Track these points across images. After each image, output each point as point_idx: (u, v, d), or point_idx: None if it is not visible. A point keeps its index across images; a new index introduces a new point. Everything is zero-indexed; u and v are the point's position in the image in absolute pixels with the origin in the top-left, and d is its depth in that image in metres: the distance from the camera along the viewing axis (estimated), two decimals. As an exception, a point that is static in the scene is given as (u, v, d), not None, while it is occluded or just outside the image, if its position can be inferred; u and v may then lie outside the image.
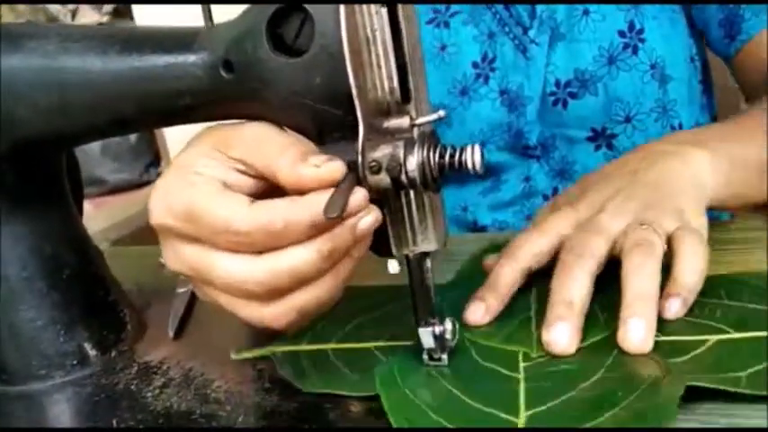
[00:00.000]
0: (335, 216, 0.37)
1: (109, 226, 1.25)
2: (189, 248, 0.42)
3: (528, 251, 0.52)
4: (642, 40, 0.74)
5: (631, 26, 0.74)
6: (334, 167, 0.39)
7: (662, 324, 0.45)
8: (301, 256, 0.39)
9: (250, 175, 0.42)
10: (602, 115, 0.76)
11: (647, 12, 0.74)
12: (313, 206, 0.38)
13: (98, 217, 1.36)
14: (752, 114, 0.66)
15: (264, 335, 0.53)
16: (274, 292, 0.41)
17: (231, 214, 0.39)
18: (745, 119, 0.66)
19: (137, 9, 1.91)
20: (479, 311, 0.50)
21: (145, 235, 1.23)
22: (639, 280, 0.45)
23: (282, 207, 0.39)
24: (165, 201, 0.42)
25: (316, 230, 0.39)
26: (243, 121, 0.44)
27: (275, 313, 0.42)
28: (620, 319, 0.45)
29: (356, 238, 0.39)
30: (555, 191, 0.80)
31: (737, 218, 0.64)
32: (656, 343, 0.44)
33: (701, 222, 0.52)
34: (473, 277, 0.56)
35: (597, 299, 0.48)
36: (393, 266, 0.45)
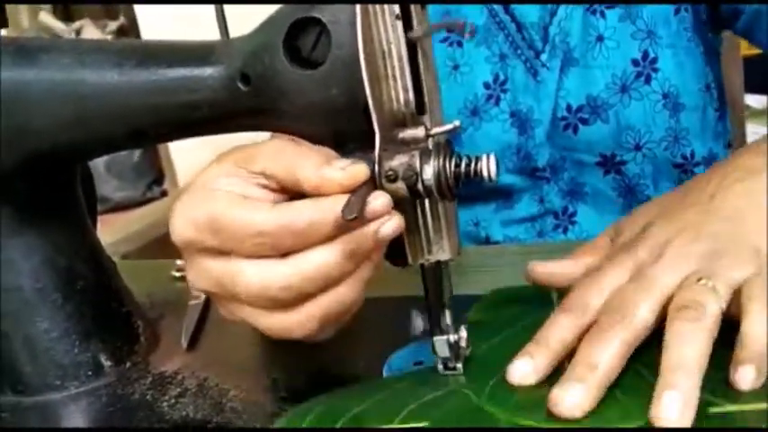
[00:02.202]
0: (352, 217, 0.37)
1: (115, 241, 1.26)
2: (213, 262, 0.43)
3: (585, 308, 0.45)
4: (655, 70, 0.74)
5: (645, 55, 0.74)
6: (359, 169, 0.40)
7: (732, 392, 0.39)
8: (325, 257, 0.40)
9: (272, 189, 0.43)
10: (612, 142, 0.76)
11: (662, 41, 0.74)
12: (337, 206, 0.38)
13: (104, 233, 1.37)
14: None
15: (277, 349, 0.54)
16: (298, 298, 0.41)
17: (253, 216, 0.40)
18: None
19: (144, 28, 1.92)
20: (525, 369, 0.43)
21: (152, 250, 1.24)
22: (679, 349, 0.39)
23: (306, 207, 0.40)
24: (185, 216, 0.43)
25: (339, 231, 0.39)
26: (266, 140, 0.45)
27: (299, 319, 0.42)
28: (654, 394, 0.38)
29: (378, 241, 0.40)
30: (565, 210, 0.80)
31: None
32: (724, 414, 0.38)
33: None
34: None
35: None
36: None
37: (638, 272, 0.45)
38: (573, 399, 0.39)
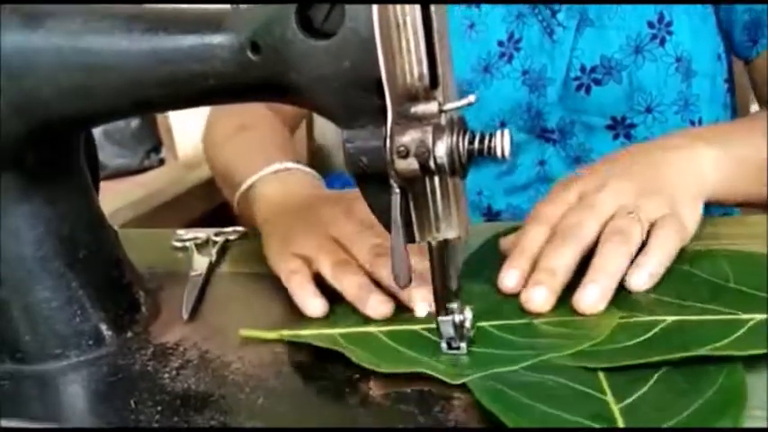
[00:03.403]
0: (406, 285, 0.43)
1: (114, 210, 1.25)
2: None
3: (549, 217, 0.56)
4: (670, 33, 0.74)
5: (661, 18, 0.74)
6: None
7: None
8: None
9: None
10: (624, 104, 0.76)
11: (678, 5, 0.74)
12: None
13: (102, 201, 1.36)
14: (762, 117, 0.68)
15: (279, 322, 0.54)
16: None
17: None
18: (755, 121, 0.67)
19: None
20: (514, 277, 0.53)
21: (151, 218, 1.23)
22: (607, 260, 0.50)
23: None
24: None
25: None
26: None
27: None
28: (580, 286, 0.50)
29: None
30: None
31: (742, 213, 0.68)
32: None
33: (691, 214, 0.56)
34: (484, 261, 0.58)
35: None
36: (421, 310, 0.50)
37: (585, 196, 0.56)
38: (539, 298, 0.50)
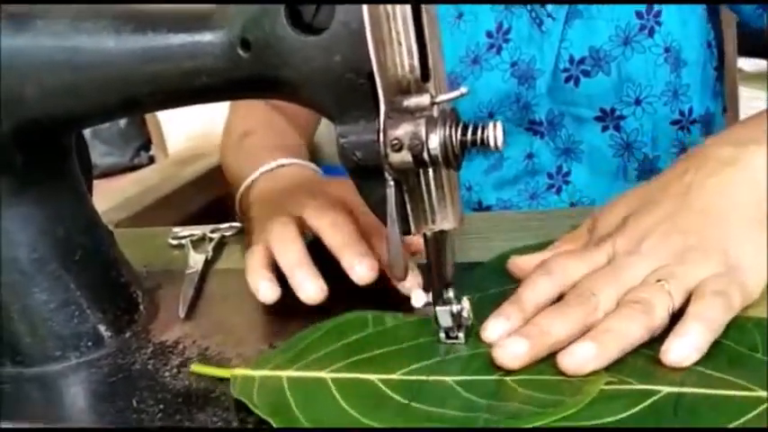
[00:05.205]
0: (402, 278, 0.43)
1: (107, 209, 1.24)
2: None
3: (564, 274, 0.48)
4: (659, 23, 0.74)
5: (649, 8, 0.74)
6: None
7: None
8: None
9: None
10: (613, 95, 0.76)
11: None
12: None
13: (94, 201, 1.35)
14: None
15: (276, 316, 0.54)
16: None
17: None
18: None
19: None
20: (500, 328, 0.45)
21: (145, 217, 1.23)
22: (618, 323, 0.43)
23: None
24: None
25: None
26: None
27: None
28: (578, 340, 0.43)
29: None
30: (559, 169, 0.80)
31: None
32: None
33: (753, 259, 0.46)
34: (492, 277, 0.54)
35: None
36: (418, 299, 0.46)
37: (615, 258, 0.48)
38: (515, 350, 0.42)
